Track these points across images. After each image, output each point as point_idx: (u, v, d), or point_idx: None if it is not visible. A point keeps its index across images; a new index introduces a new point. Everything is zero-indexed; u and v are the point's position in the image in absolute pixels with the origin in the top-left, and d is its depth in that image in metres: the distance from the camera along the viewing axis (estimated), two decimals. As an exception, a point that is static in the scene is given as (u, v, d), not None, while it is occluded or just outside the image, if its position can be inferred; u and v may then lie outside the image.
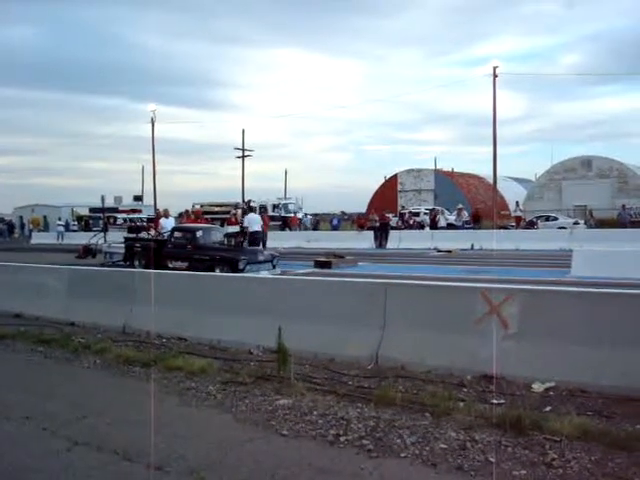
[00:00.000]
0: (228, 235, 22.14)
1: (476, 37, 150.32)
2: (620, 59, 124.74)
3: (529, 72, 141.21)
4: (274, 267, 19.24)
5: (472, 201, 57.39)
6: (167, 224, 22.93)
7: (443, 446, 5.15)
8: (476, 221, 39.61)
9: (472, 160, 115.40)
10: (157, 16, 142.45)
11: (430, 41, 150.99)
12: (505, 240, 29.21)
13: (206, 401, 6.71)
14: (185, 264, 18.67)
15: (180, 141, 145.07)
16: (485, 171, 57.99)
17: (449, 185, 64.18)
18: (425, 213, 45.10)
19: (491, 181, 48.09)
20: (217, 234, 21.41)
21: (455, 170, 71.25)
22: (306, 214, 53.79)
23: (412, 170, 69.29)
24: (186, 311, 10.12)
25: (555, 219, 41.62)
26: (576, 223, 38.82)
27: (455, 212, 40.31)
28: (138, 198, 70.55)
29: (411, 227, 41.10)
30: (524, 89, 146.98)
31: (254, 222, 24.42)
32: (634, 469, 4.62)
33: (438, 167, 71.76)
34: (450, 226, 37.36)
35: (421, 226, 41.09)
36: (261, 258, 19.31)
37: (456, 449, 5.09)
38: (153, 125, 56.89)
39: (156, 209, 33.46)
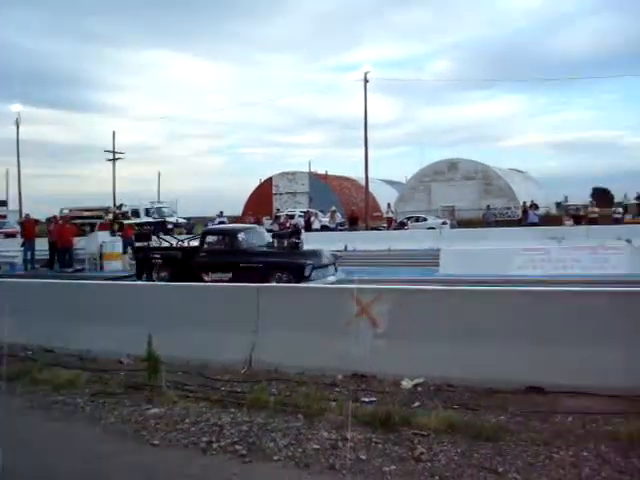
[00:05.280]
0: (278, 235, 18.13)
1: (349, 44, 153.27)
2: (485, 66, 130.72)
3: (400, 78, 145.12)
4: (336, 270, 16.68)
5: (345, 203, 58.40)
6: None
7: (315, 446, 5.20)
8: (353, 223, 40.33)
9: (347, 163, 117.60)
10: (24, 13, 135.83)
11: (304, 47, 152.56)
12: (377, 241, 29.80)
13: (74, 414, 6.47)
14: (228, 275, 15.43)
15: (49, 144, 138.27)
16: (358, 174, 59.21)
17: (323, 188, 65.02)
18: (300, 216, 45.41)
19: (364, 183, 49.18)
20: (263, 235, 18.21)
21: (329, 173, 72.28)
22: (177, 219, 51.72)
23: (286, 173, 69.80)
24: (54, 322, 9.66)
25: (424, 220, 42.94)
26: (444, 223, 40.33)
27: (329, 214, 40.88)
28: (2, 203, 67.02)
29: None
30: (397, 94, 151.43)
31: None
32: (498, 458, 4.84)
33: (312, 170, 72.61)
34: (324, 228, 37.81)
35: (296, 228, 41.26)
36: (325, 261, 16.31)
37: (328, 449, 5.15)
38: (18, 127, 54.65)
39: (27, 214, 31.31)
